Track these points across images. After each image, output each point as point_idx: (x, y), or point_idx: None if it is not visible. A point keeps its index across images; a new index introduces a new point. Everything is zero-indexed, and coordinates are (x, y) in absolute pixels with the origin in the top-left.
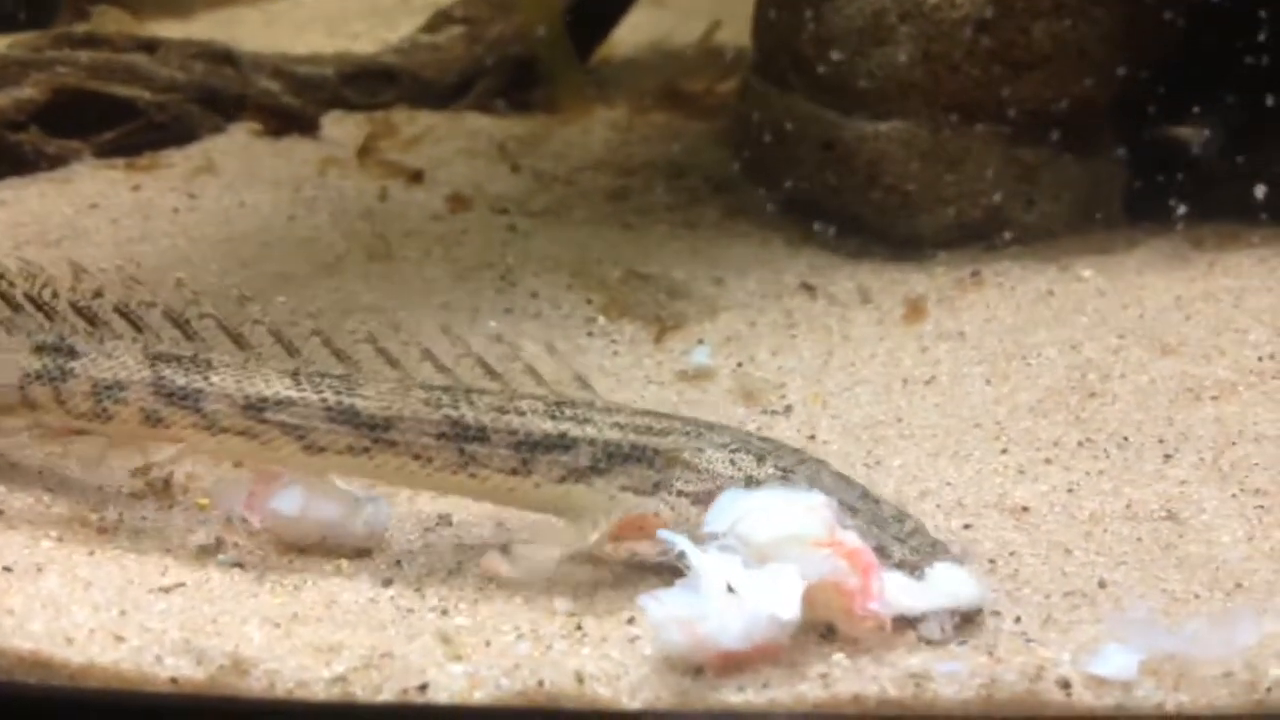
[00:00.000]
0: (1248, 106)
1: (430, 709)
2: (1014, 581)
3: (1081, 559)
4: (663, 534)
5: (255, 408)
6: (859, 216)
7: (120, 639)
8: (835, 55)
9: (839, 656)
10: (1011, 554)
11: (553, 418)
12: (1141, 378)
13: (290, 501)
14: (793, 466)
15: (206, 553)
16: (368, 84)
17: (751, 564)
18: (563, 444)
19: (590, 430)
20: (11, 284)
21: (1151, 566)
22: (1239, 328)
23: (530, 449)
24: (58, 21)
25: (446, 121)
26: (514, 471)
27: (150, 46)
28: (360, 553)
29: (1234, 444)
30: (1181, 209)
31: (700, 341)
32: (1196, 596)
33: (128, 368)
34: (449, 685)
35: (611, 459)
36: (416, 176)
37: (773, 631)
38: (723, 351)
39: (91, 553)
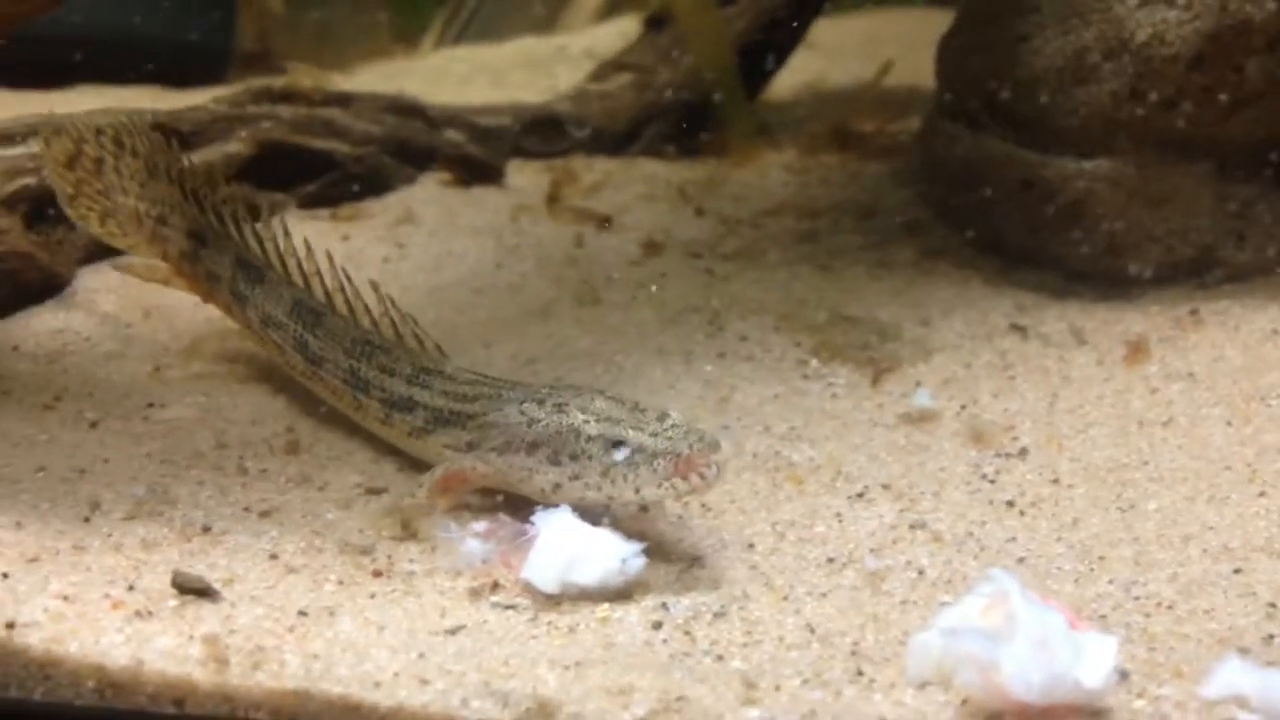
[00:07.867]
0: None
1: None
2: None
3: None
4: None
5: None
6: (1060, 256)
7: (425, 682)
8: (1034, 95)
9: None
10: None
11: (408, 382)
12: None
13: (546, 575)
14: (569, 400)
15: (478, 595)
16: (544, 133)
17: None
18: (409, 405)
19: (425, 396)
20: None
21: None
22: None
23: (391, 406)
24: (229, 78)
25: (622, 168)
26: (382, 422)
27: (343, 101)
28: (621, 595)
29: None
30: None
31: (918, 384)
32: None
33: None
34: None
35: (436, 421)
36: (605, 222)
37: (1075, 695)
38: (943, 394)
39: (373, 596)
